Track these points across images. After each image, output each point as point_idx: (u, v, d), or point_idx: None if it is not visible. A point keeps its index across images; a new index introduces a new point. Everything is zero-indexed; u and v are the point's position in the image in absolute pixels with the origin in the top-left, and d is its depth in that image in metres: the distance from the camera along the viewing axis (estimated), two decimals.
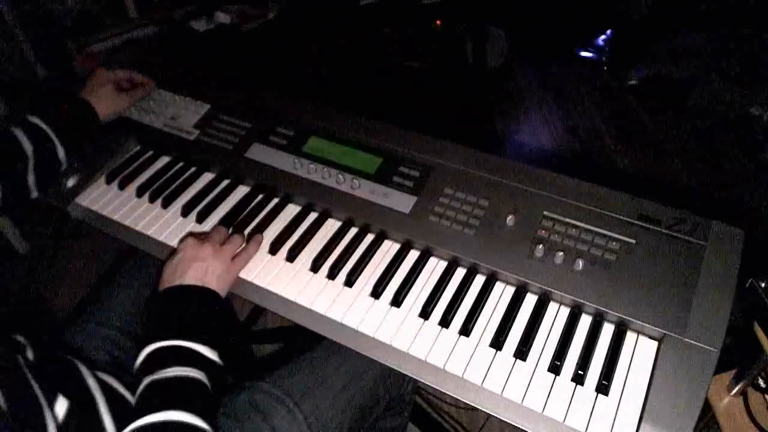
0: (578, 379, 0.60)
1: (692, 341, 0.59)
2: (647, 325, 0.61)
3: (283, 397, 0.67)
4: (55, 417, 0.47)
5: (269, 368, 0.72)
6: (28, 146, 0.76)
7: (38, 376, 0.49)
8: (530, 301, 0.68)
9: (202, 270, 0.66)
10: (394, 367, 0.64)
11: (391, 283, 0.70)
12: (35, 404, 0.46)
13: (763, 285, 0.75)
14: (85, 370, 0.58)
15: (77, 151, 0.84)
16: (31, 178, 0.77)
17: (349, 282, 0.70)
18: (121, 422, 0.54)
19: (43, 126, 0.78)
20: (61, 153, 0.79)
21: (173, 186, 0.84)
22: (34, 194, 0.80)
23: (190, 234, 0.74)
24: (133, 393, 0.61)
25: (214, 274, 0.66)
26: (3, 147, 0.75)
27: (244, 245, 0.74)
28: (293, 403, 0.67)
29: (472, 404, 0.60)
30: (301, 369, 0.71)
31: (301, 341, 0.78)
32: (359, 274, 0.71)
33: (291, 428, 0.65)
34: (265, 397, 0.67)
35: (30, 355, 0.55)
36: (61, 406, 0.49)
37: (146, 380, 0.55)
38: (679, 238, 0.67)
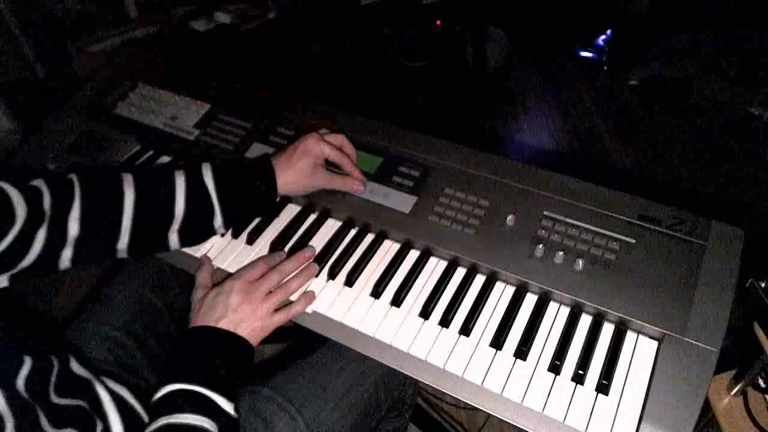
0: (578, 378, 0.60)
1: (692, 341, 0.59)
2: (647, 325, 0.61)
3: (285, 404, 0.67)
4: None
5: (270, 372, 0.72)
6: (180, 207, 0.66)
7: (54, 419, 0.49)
8: (530, 300, 0.68)
9: (240, 322, 0.63)
10: (394, 367, 0.64)
11: (391, 283, 0.70)
12: None
13: (763, 285, 0.75)
14: (99, 387, 0.59)
15: (235, 222, 0.74)
16: (173, 238, 0.68)
17: (349, 282, 0.70)
18: None
19: (212, 191, 0.67)
20: (218, 221, 0.69)
21: None
22: (175, 247, 0.70)
23: (240, 275, 0.67)
24: (140, 402, 0.62)
25: (249, 327, 0.64)
26: (153, 196, 0.65)
27: (291, 287, 0.68)
28: (295, 410, 0.66)
29: (472, 404, 0.60)
30: (302, 374, 0.71)
31: (301, 343, 0.77)
32: (359, 274, 0.71)
33: None
34: (266, 404, 0.67)
35: (32, 358, 0.55)
36: None
37: (161, 421, 0.55)
38: (679, 238, 0.67)
